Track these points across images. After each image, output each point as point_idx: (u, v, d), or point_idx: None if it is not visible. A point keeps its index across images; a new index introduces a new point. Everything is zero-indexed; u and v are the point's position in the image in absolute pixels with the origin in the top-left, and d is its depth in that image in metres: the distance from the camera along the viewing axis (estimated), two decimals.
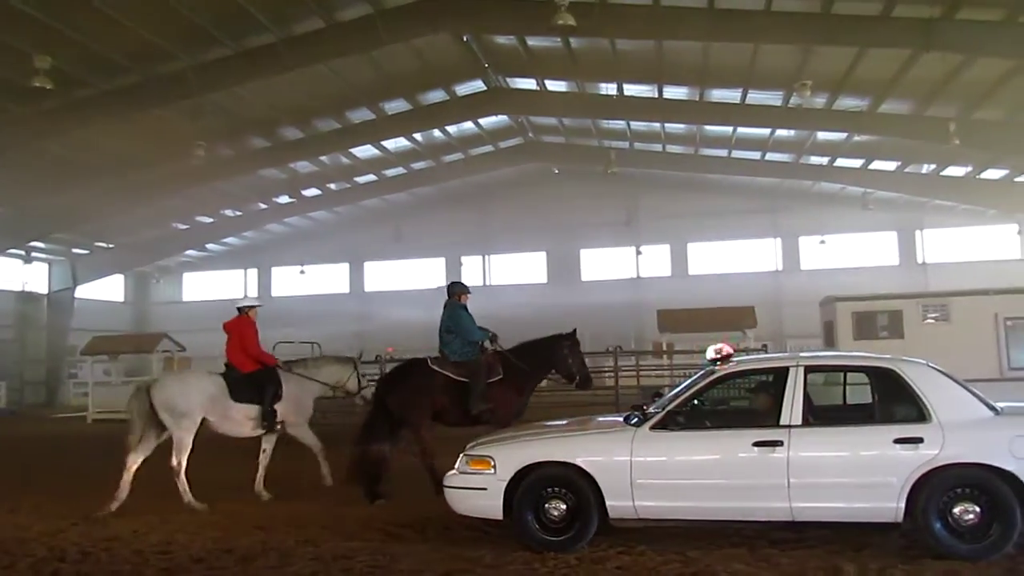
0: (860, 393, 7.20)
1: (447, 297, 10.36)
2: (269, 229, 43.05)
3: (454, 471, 6.92)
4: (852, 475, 6.18)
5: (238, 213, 39.17)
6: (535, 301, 39.69)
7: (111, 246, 39.02)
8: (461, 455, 6.97)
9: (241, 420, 9.94)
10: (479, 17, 21.75)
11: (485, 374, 9.47)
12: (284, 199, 37.99)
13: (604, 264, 42.26)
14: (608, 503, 6.42)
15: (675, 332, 24.69)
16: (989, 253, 37.30)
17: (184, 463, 9.22)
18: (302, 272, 44.85)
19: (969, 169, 31.24)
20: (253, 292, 46.54)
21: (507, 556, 6.38)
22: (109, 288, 43.60)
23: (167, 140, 26.32)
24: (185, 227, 39.81)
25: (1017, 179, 31.29)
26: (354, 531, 7.43)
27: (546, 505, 6.52)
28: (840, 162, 32.40)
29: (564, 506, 6.50)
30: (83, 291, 39.09)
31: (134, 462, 9.27)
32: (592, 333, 35.27)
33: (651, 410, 6.80)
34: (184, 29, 20.08)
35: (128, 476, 9.09)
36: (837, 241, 39.24)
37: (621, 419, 6.99)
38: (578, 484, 6.47)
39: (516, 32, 22.74)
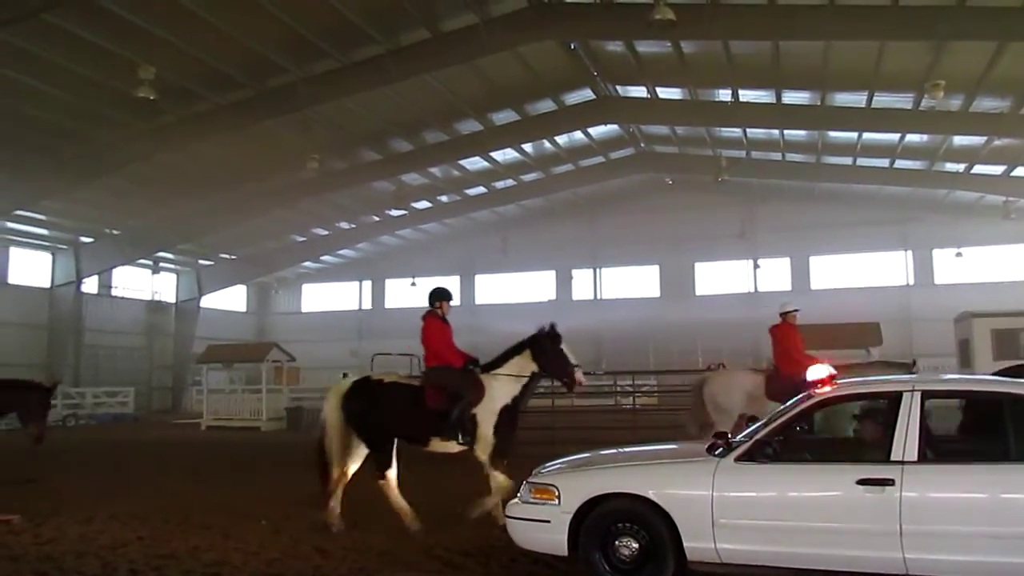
0: (992, 424, 6.16)
1: None
2: (382, 241, 43.79)
3: (517, 500, 6.31)
4: (982, 523, 5.18)
5: (352, 226, 39.99)
6: (648, 316, 38.72)
7: (233, 257, 40.56)
8: (524, 483, 6.36)
9: None
10: (584, 23, 21.23)
11: None
12: (396, 211, 38.46)
13: (720, 278, 40.77)
14: (685, 544, 5.64)
15: None
16: None
17: None
18: (413, 284, 45.35)
19: None
20: (368, 304, 47.54)
21: None
22: (233, 298, 45.39)
23: (281, 153, 27.07)
24: (302, 239, 40.95)
25: None
26: (414, 560, 6.94)
27: (616, 542, 5.80)
28: (978, 169, 29.98)
29: (636, 544, 5.76)
30: (209, 301, 40.80)
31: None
32: (706, 349, 34.31)
33: (738, 439, 6.00)
34: (293, 42, 20.45)
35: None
36: (975, 254, 36.42)
37: (704, 448, 6.20)
38: (651, 520, 5.72)
39: (621, 36, 22.06)
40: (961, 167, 30.29)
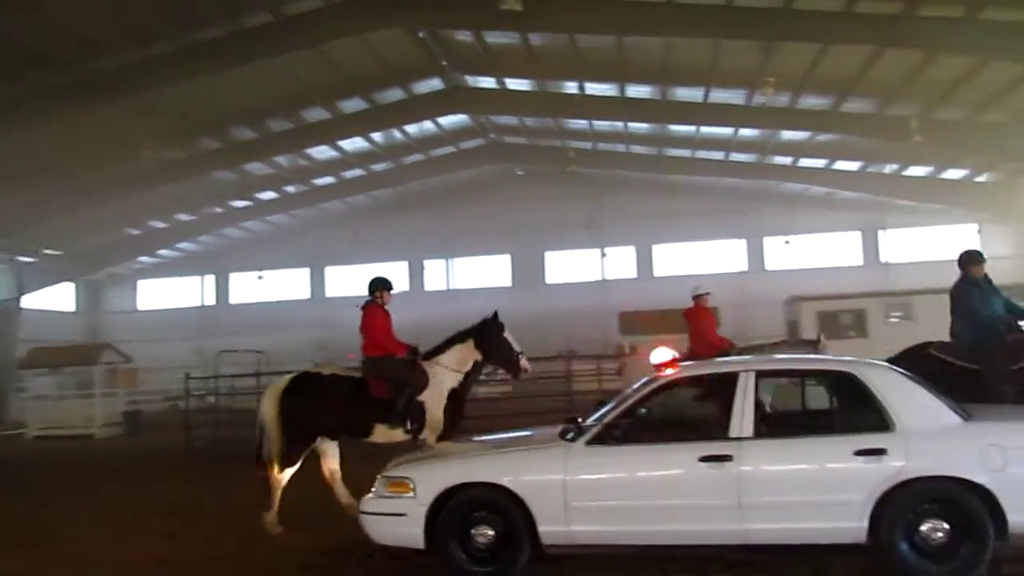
0: (819, 399, 6.62)
1: (960, 270, 8.53)
2: (226, 234, 41.95)
3: (371, 495, 6.20)
4: (809, 492, 5.56)
5: (192, 218, 38.01)
6: (500, 305, 38.90)
7: (59, 253, 37.63)
8: (378, 477, 6.26)
9: None
10: (432, 11, 21.10)
11: (1005, 360, 7.65)
12: (240, 203, 36.95)
13: (569, 266, 41.74)
14: (540, 528, 5.74)
15: (637, 334, 24.26)
16: (950, 252, 37.25)
17: None
18: (260, 278, 43.78)
19: (931, 169, 31.17)
20: (211, 300, 45.50)
21: None
22: (60, 297, 42.16)
23: (113, 140, 25.35)
24: (137, 232, 38.56)
25: (978, 179, 31.29)
26: (268, 564, 6.70)
27: (472, 531, 5.82)
28: (804, 162, 32.15)
29: (492, 532, 5.81)
30: (31, 301, 37.62)
31: None
32: (558, 336, 35.05)
33: (588, 422, 6.15)
34: (124, 21, 19.19)
35: None
36: (802, 241, 39.06)
37: (557, 433, 6.31)
38: (507, 507, 5.78)
39: (469, 26, 22.12)
40: (789, 160, 32.35)
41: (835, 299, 21.77)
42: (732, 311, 31.10)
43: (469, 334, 8.56)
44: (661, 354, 6.31)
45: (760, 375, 5.95)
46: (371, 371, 8.34)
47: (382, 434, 8.22)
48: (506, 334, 8.54)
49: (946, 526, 5.42)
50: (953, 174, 31.23)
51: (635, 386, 6.37)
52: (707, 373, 6.48)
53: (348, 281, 43.75)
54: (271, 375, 19.91)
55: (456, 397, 8.34)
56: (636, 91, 26.29)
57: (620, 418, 5.95)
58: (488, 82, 27.77)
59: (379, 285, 8.79)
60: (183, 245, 42.29)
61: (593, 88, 26.49)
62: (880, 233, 38.91)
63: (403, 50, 23.89)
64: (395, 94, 27.51)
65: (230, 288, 45.46)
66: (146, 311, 45.37)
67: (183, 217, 37.69)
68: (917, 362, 8.05)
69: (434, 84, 27.61)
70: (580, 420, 6.20)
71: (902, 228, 38.33)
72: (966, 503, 5.40)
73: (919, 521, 5.45)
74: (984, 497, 5.37)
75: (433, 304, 40.95)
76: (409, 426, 8.16)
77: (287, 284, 44.34)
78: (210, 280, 45.62)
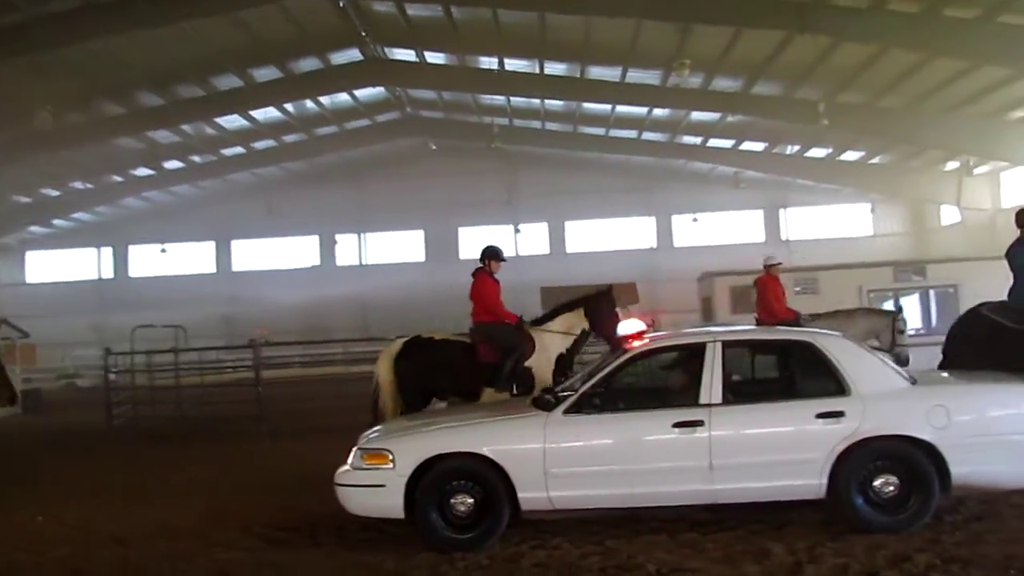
0: (781, 366, 6.98)
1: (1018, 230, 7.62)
2: (126, 204, 40.16)
3: (347, 467, 6.21)
4: (775, 453, 5.91)
5: (89, 186, 36.22)
6: (413, 280, 38.92)
7: None
8: (354, 449, 6.27)
9: None
10: None
11: None
12: (142, 171, 35.42)
13: (483, 242, 41.72)
14: (520, 495, 5.89)
15: None
16: (845, 230, 39.36)
17: None
18: (163, 251, 42.17)
19: (830, 151, 32.59)
20: (108, 273, 43.64)
21: (411, 559, 5.74)
22: None
23: (7, 101, 23.79)
24: (28, 200, 36.46)
25: (872, 160, 32.96)
26: (232, 539, 6.59)
27: (452, 500, 5.93)
28: (713, 142, 33.09)
29: (471, 500, 5.93)
30: None
31: None
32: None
33: (563, 392, 6.32)
34: None
35: None
36: (708, 219, 40.29)
37: (530, 403, 6.46)
38: (486, 476, 5.91)
39: None
40: (698, 140, 33.25)
41: (748, 274, 22.51)
42: (643, 287, 31.91)
43: (580, 303, 8.69)
44: (630, 326, 6.49)
45: (726, 345, 6.24)
46: (480, 336, 8.54)
47: (489, 397, 8.34)
48: (617, 310, 8.65)
49: (897, 480, 5.87)
50: (850, 156, 32.83)
51: (609, 357, 6.57)
52: (676, 344, 6.75)
53: (256, 255, 42.75)
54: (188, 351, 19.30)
55: (562, 361, 8.48)
56: (555, 68, 26.46)
57: (596, 387, 6.15)
58: (407, 55, 27.46)
59: (490, 254, 9.00)
60: (78, 215, 40.31)
61: (513, 64, 26.53)
62: (781, 212, 40.59)
63: (322, 18, 23.38)
64: (311, 63, 26.90)
65: (129, 261, 43.71)
66: (36, 284, 43.17)
67: (79, 185, 35.90)
68: (968, 322, 8.05)
69: (352, 55, 27.12)
70: (556, 390, 6.36)
71: (801, 207, 40.10)
72: (914, 459, 5.86)
73: (872, 476, 5.89)
74: (930, 453, 5.83)
75: (345, 279, 40.52)
76: (515, 390, 8.28)
77: (192, 257, 42.91)
78: (107, 252, 43.75)
